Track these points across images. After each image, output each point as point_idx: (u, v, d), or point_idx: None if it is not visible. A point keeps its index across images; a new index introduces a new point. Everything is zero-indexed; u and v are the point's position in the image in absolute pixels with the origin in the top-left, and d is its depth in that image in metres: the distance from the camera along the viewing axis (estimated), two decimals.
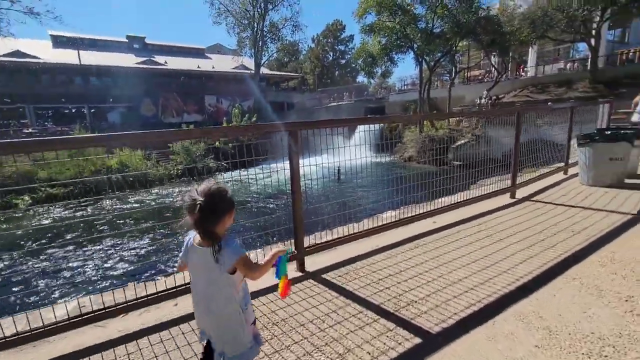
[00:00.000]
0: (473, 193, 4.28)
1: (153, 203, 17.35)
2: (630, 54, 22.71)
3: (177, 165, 26.04)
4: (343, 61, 62.45)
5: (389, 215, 3.62)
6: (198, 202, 1.23)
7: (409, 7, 22.51)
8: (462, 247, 3.09)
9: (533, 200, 4.53)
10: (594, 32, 21.39)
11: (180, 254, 1.43)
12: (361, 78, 62.75)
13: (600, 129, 5.87)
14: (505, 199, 4.59)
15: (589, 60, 23.67)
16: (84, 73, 30.61)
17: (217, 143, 28.91)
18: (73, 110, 30.33)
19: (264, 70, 41.60)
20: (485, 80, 28.42)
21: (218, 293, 1.33)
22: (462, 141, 20.90)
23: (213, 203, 1.26)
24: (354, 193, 9.61)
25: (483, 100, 23.61)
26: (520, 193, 4.79)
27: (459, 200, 3.99)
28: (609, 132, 5.10)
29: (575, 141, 5.34)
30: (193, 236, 1.37)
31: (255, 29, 36.27)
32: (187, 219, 1.29)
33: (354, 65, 56.55)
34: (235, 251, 1.29)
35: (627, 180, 5.07)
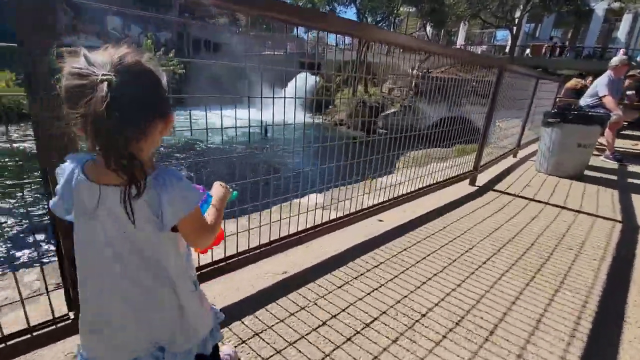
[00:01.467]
0: (424, 177, 3.09)
1: None
2: (546, 47, 25.14)
3: None
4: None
5: (312, 204, 2.38)
6: (104, 79, 0.61)
7: None
8: (426, 263, 2.13)
9: (497, 191, 3.75)
10: (516, 20, 22.96)
11: (53, 200, 0.80)
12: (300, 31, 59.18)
13: (562, 108, 5.35)
14: (465, 186, 3.75)
15: (508, 47, 25.72)
16: None
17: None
18: None
19: None
20: (419, 53, 28.86)
21: (148, 264, 0.80)
22: (391, 110, 21.17)
23: (138, 86, 0.68)
24: (277, 157, 8.68)
25: (416, 72, 24.01)
26: (479, 180, 4.04)
27: (409, 191, 2.88)
28: (578, 113, 4.47)
29: (538, 120, 4.87)
30: (82, 164, 0.75)
31: None
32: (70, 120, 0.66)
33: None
34: (187, 194, 0.77)
35: (586, 172, 4.53)
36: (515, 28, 23.29)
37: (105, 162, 0.67)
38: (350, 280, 1.89)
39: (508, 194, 3.71)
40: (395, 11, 23.15)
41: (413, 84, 23.22)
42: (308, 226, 2.05)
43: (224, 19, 46.37)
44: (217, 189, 1.01)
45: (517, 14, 23.07)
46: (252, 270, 1.85)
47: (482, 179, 4.10)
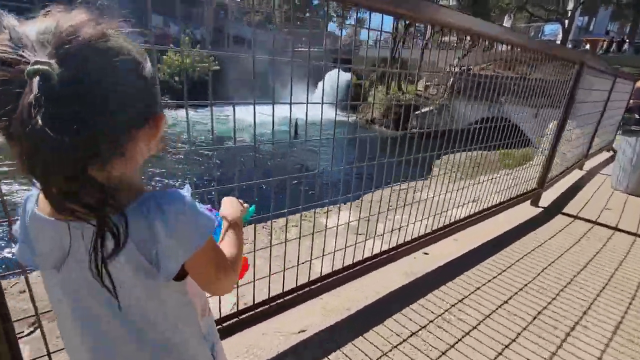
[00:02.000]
0: (471, 190, 2.37)
1: None
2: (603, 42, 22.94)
3: None
4: (316, 1, 57.05)
5: (342, 222, 1.71)
6: (36, 69, 0.38)
7: None
8: (490, 325, 1.60)
9: (567, 215, 3.03)
10: (569, 13, 21.02)
11: (18, 246, 0.60)
12: (332, 27, 58.88)
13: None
14: (527, 208, 3.07)
15: (559, 42, 23.63)
16: None
17: (160, 74, 25.02)
18: None
19: None
20: (457, 49, 27.37)
21: (142, 334, 0.58)
22: (426, 109, 20.16)
23: (100, 77, 0.44)
24: (309, 159, 8.33)
25: (454, 69, 22.78)
26: (545, 199, 3.32)
27: (461, 218, 2.29)
28: None
29: (617, 127, 4.08)
30: (37, 195, 0.57)
31: None
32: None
33: (326, 9, 52.20)
34: (195, 220, 0.56)
35: None
36: (567, 22, 21.34)
37: (48, 200, 0.47)
38: (389, 351, 1.40)
39: (583, 219, 2.99)
40: (434, 2, 22.04)
41: (450, 81, 22.08)
42: (335, 265, 1.58)
43: (259, 16, 46.92)
44: (230, 207, 0.77)
45: (570, 5, 21.12)
46: (257, 328, 1.41)
47: (547, 197, 3.40)
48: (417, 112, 20.57)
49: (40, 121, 0.37)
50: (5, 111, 0.39)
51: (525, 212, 3.03)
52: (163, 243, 0.51)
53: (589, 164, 4.96)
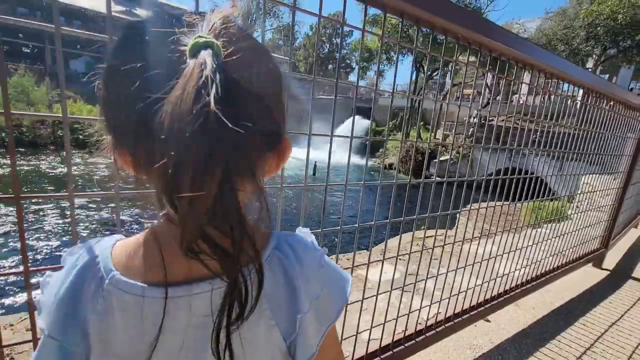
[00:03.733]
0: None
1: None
2: None
3: None
4: (339, 55, 60.72)
5: (386, 280, 1.74)
6: (207, 42, 0.28)
7: None
8: None
9: (637, 279, 2.75)
10: (590, 70, 21.35)
11: (40, 345, 0.35)
12: (353, 77, 61.91)
13: None
14: (589, 271, 2.80)
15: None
16: (50, 8, 27.13)
17: None
18: (31, 50, 26.86)
19: None
20: (476, 100, 28.04)
21: None
22: (445, 157, 20.26)
23: (256, 71, 0.32)
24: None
25: (473, 119, 23.09)
26: (607, 260, 3.02)
27: (523, 282, 2.06)
28: None
29: None
30: (108, 252, 0.36)
31: None
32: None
33: (348, 62, 55.45)
34: (335, 279, 0.42)
35: None
36: None
37: (186, 232, 0.30)
38: None
39: None
40: (455, 59, 22.99)
41: (470, 131, 22.32)
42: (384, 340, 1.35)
43: (285, 67, 50.17)
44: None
45: (590, 63, 21.53)
46: None
47: (609, 258, 3.12)
48: (436, 160, 20.69)
49: (214, 107, 0.27)
50: (165, 93, 0.28)
51: (588, 275, 2.76)
52: (304, 308, 0.38)
53: None
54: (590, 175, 2.78)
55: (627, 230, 3.71)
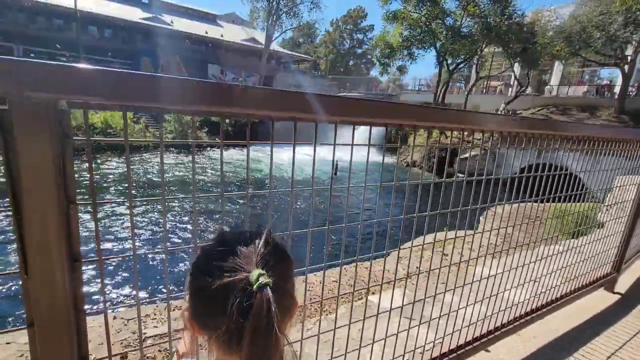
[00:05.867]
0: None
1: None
2: None
3: (166, 133, 24.52)
4: (359, 51, 60.31)
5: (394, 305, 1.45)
6: (264, 283, 0.49)
7: None
8: None
9: None
10: (629, 57, 19.97)
11: None
12: (375, 72, 61.19)
13: None
14: (600, 294, 2.60)
15: (618, 87, 22.31)
16: (83, 21, 28.63)
17: (213, 117, 27.22)
18: (67, 58, 28.46)
19: (274, 47, 39.68)
20: (503, 93, 26.99)
21: None
22: (469, 154, 19.63)
23: (288, 278, 0.58)
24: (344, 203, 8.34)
25: (500, 113, 22.24)
26: (620, 283, 2.77)
27: (528, 311, 1.95)
28: None
29: None
30: None
31: None
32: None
33: (369, 57, 54.82)
34: None
35: None
36: (627, 67, 20.22)
37: None
38: None
39: None
40: (479, 52, 22.15)
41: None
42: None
43: (306, 64, 50.43)
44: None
45: (629, 50, 20.12)
46: None
47: (622, 281, 2.86)
48: (461, 157, 20.07)
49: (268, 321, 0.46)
50: (232, 311, 0.47)
51: (599, 299, 2.58)
52: None
53: None
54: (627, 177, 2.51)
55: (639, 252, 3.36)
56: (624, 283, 2.86)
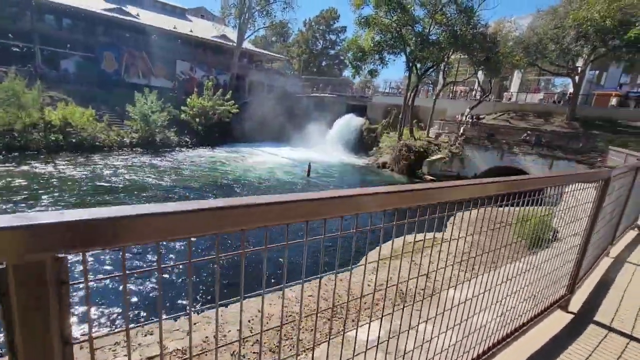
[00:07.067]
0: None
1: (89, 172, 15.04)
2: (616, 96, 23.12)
3: (131, 133, 23.37)
4: (332, 52, 60.82)
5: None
6: None
7: (408, 7, 21.46)
8: None
9: (604, 326, 2.61)
10: (579, 69, 21.64)
11: None
12: (347, 73, 61.94)
13: None
14: (557, 318, 2.64)
15: (568, 96, 24.12)
16: (40, 8, 26.65)
17: (182, 115, 26.44)
18: (20, 49, 26.36)
19: (247, 45, 39.05)
20: (468, 98, 28.33)
21: None
22: (437, 156, 20.37)
23: None
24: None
25: (465, 118, 23.30)
26: (575, 300, 2.84)
27: (497, 341, 2.01)
28: None
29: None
30: None
31: None
32: None
33: (342, 58, 55.44)
34: None
35: None
36: (577, 77, 21.90)
37: None
38: None
39: (617, 332, 2.53)
40: (445, 59, 23.12)
41: (461, 130, 22.49)
42: None
43: (279, 63, 50.07)
44: None
45: (580, 62, 21.82)
46: None
47: (577, 298, 2.96)
48: (428, 159, 20.78)
49: None
50: None
51: (554, 320, 2.65)
52: None
53: (614, 250, 4.36)
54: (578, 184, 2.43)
55: (597, 265, 3.55)
56: (576, 302, 2.93)
